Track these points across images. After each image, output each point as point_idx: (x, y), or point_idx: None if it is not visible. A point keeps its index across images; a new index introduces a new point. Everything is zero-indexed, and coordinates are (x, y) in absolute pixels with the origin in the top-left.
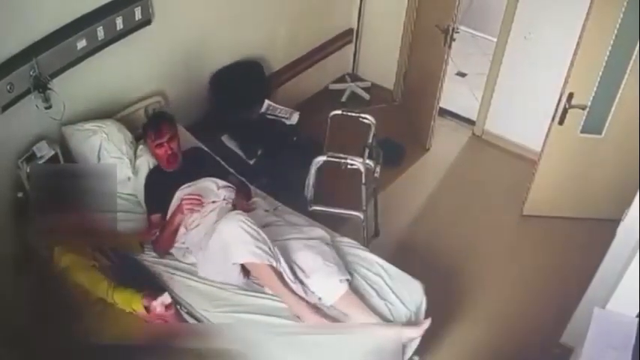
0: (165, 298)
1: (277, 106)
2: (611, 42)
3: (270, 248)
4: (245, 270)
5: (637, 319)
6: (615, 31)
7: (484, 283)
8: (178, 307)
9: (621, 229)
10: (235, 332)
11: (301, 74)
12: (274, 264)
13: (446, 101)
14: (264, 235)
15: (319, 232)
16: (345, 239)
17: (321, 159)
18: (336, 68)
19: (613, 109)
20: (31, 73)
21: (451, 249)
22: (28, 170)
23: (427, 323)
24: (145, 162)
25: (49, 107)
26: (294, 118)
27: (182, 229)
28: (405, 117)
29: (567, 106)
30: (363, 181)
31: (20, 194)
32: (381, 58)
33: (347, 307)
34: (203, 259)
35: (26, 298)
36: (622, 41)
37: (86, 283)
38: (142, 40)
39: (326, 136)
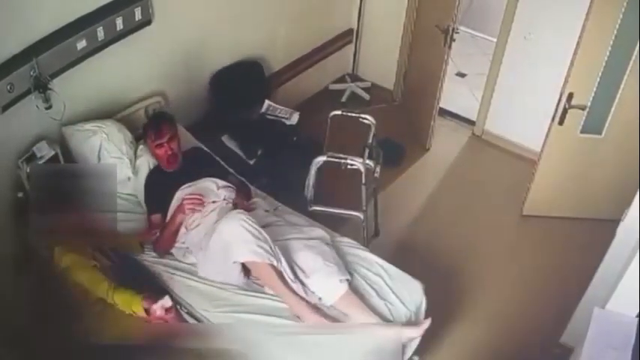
0: (166, 301)
1: (277, 106)
2: (611, 42)
3: (271, 247)
4: (245, 269)
5: (637, 319)
6: (615, 31)
7: (484, 283)
8: (178, 307)
9: (621, 229)
10: (235, 332)
11: (301, 74)
12: (275, 263)
13: (446, 101)
14: (265, 235)
15: (319, 232)
16: (345, 239)
17: (321, 159)
18: (336, 68)
19: (613, 109)
20: (32, 73)
21: (451, 249)
22: (28, 170)
23: (427, 323)
24: (145, 162)
25: (50, 107)
26: (294, 118)
27: (182, 229)
28: (405, 117)
29: (567, 106)
30: (363, 181)
31: (20, 194)
32: (381, 59)
33: (347, 307)
34: (203, 259)
35: (26, 298)
36: (622, 41)
37: (86, 283)
38: (142, 40)
39: (326, 136)
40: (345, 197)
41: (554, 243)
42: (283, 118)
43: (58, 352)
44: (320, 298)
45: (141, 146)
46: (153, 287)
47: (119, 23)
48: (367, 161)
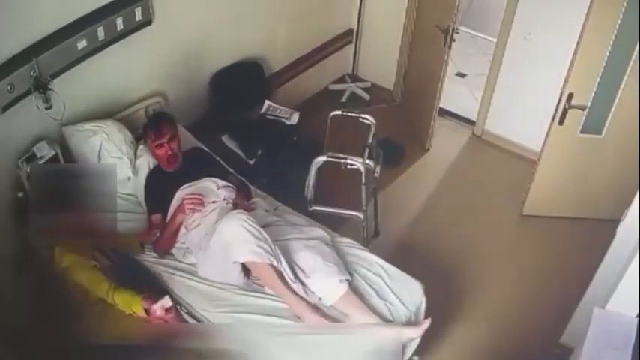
0: (166, 301)
1: (277, 106)
2: (611, 42)
3: (271, 247)
4: (245, 269)
5: (637, 319)
6: (615, 31)
7: (484, 283)
8: (178, 307)
9: (621, 229)
10: (235, 332)
11: (301, 74)
12: (275, 263)
13: (446, 101)
14: (265, 235)
15: (319, 232)
16: (345, 239)
17: (321, 159)
18: (336, 68)
19: (613, 109)
20: (32, 73)
21: (451, 249)
22: (28, 170)
23: (427, 323)
24: (145, 162)
25: (50, 107)
26: (294, 118)
27: (182, 229)
28: (405, 117)
29: (567, 106)
30: (363, 181)
31: (20, 194)
32: (381, 59)
33: (347, 307)
34: (203, 259)
35: (26, 298)
36: (622, 41)
37: (86, 283)
38: (142, 40)
39: (326, 136)
40: (345, 197)
41: (554, 243)
42: (283, 118)
43: (58, 352)
44: (320, 298)
45: (141, 146)
46: (153, 287)
47: (119, 23)
48: (367, 161)
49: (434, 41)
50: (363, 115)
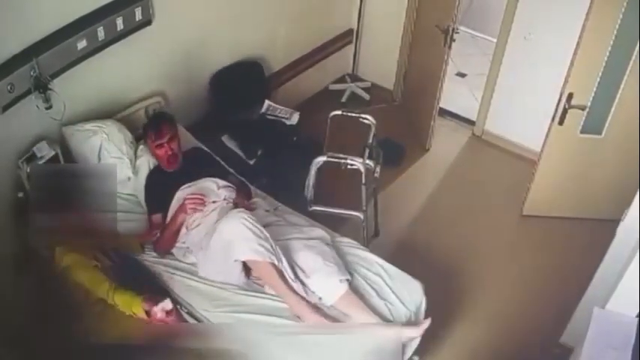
0: (167, 304)
1: (277, 106)
2: (611, 42)
3: (272, 246)
4: (246, 269)
5: (637, 319)
6: (615, 31)
7: (484, 283)
8: (178, 307)
9: (621, 229)
10: (235, 332)
11: (301, 74)
12: (276, 262)
13: (446, 101)
14: (266, 233)
15: (319, 232)
16: (345, 239)
17: (321, 159)
18: (336, 68)
19: (613, 109)
20: (32, 73)
21: (451, 249)
22: (28, 170)
23: (427, 323)
24: (146, 162)
25: (50, 107)
26: (294, 118)
27: (183, 229)
28: (405, 117)
29: (567, 107)
30: (363, 181)
31: (20, 194)
32: (381, 59)
33: (347, 307)
34: (204, 259)
35: (26, 298)
36: (622, 41)
37: (87, 283)
38: (142, 40)
39: (326, 136)
40: (345, 197)
41: (554, 243)
42: (283, 118)
43: (58, 352)
44: (320, 298)
45: (141, 146)
46: (153, 287)
47: (119, 23)
48: (367, 161)
49: (434, 41)
50: (363, 115)
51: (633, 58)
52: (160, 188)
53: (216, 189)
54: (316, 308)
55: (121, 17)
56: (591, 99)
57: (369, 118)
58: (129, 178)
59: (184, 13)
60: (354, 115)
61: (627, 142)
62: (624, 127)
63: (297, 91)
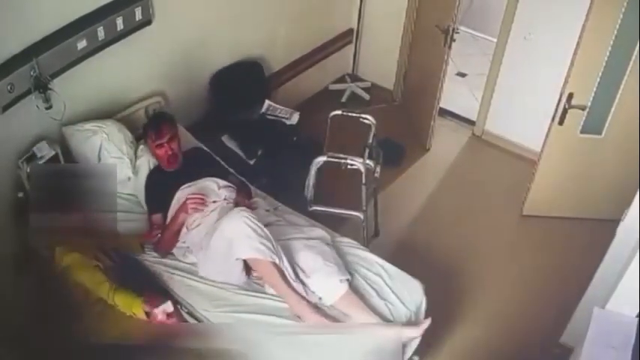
0: (168, 306)
1: (277, 106)
2: (611, 42)
3: (273, 245)
4: (247, 268)
5: (637, 319)
6: (615, 31)
7: (484, 283)
8: (179, 307)
9: (621, 229)
10: (235, 332)
11: (301, 74)
12: (277, 261)
13: (446, 101)
14: (267, 232)
15: (319, 232)
16: (345, 239)
17: (321, 159)
18: (336, 68)
19: (613, 109)
20: (32, 73)
21: (451, 249)
22: (28, 170)
23: (427, 323)
24: (146, 162)
25: (50, 107)
26: (294, 118)
27: (183, 229)
28: (405, 117)
29: (567, 106)
30: (363, 181)
31: (20, 194)
32: (381, 59)
33: (347, 307)
34: (204, 259)
35: (26, 298)
36: (622, 41)
37: (87, 283)
38: (142, 40)
39: (326, 136)
40: (345, 197)
41: (554, 243)
42: (283, 118)
43: (58, 352)
44: (320, 298)
45: (141, 146)
46: (153, 287)
47: (119, 23)
48: (367, 161)
49: (434, 41)
50: (363, 115)
51: (633, 58)
52: (160, 188)
53: (216, 189)
54: (316, 308)
55: (121, 17)
56: (591, 99)
57: (369, 118)
58: (129, 178)
59: (184, 13)
60: (354, 115)
61: (627, 142)
62: (624, 127)
63: (297, 91)
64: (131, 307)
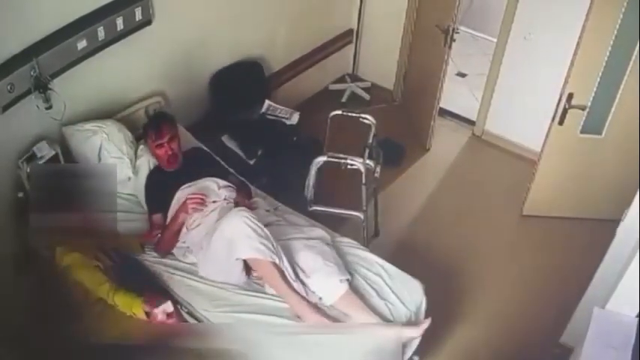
0: (168, 306)
1: (277, 106)
2: (611, 42)
3: (273, 245)
4: (246, 268)
5: (637, 319)
6: (615, 32)
7: (484, 283)
8: (178, 307)
9: (621, 229)
10: (235, 332)
11: (301, 74)
12: (277, 261)
13: (446, 101)
14: (267, 232)
15: (319, 232)
16: (345, 239)
17: (321, 159)
18: (336, 68)
19: (613, 109)
20: (32, 73)
21: (451, 249)
22: (28, 170)
23: (427, 323)
24: (146, 162)
25: (50, 107)
26: (295, 118)
27: (183, 229)
28: (405, 117)
29: (567, 107)
30: (363, 181)
31: (20, 194)
32: (381, 59)
33: (347, 307)
34: (204, 259)
35: (26, 298)
36: (622, 41)
37: (87, 283)
38: (142, 40)
39: (326, 136)
40: (345, 197)
41: (554, 243)
42: (283, 118)
43: (58, 352)
44: (320, 298)
45: (141, 146)
46: (153, 287)
47: (119, 23)
48: (367, 161)
49: (434, 41)
50: (363, 115)
51: (633, 58)
52: (160, 188)
53: (216, 189)
54: (317, 308)
55: (121, 17)
56: (591, 99)
57: (369, 118)
58: (129, 178)
59: (184, 13)
60: (354, 115)
61: (627, 142)
62: (624, 127)
63: (297, 91)
64: (131, 307)
